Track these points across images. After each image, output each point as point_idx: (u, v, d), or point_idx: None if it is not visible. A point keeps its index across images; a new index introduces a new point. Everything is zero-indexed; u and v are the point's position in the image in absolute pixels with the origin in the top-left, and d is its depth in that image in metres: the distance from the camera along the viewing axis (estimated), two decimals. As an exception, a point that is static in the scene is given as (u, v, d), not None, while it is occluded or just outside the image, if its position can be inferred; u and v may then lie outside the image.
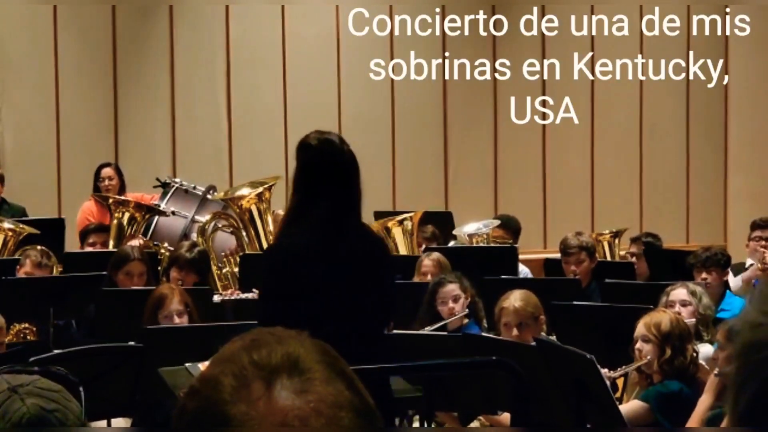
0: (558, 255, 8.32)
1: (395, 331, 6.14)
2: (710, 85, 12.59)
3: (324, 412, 1.22)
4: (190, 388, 1.27)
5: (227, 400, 1.22)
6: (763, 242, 8.76)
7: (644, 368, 5.41)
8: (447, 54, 12.03)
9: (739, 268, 8.62)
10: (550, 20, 12.23)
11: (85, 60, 11.33)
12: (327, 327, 4.51)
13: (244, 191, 8.68)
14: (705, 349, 5.75)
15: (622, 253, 9.71)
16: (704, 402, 5.04)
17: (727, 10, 12.48)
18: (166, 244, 8.74)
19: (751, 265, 8.77)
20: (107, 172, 9.94)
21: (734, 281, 8.27)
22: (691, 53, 12.59)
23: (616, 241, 9.81)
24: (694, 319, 6.06)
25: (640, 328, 5.41)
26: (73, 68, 11.27)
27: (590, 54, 12.34)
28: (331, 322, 4.44)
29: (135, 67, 11.42)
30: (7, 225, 8.52)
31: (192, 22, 11.56)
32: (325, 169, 4.64)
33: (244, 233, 8.52)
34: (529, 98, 12.26)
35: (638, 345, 5.38)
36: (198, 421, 1.24)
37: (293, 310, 4.46)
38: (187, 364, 4.99)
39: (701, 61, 12.60)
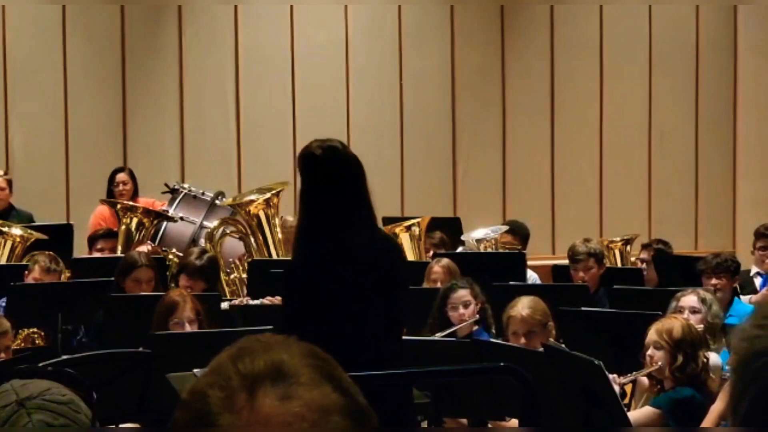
0: (566, 261, 8.32)
1: (405, 338, 6.14)
2: (719, 91, 12.60)
3: (308, 417, 1.22)
4: (181, 402, 1.29)
5: (214, 412, 1.24)
6: None
7: (655, 374, 5.39)
8: (456, 59, 12.04)
9: (745, 276, 8.60)
10: (559, 26, 12.24)
11: (93, 65, 11.34)
12: (347, 337, 4.60)
13: (253, 197, 8.69)
14: (712, 358, 5.73)
15: (632, 259, 9.70)
16: (717, 409, 5.02)
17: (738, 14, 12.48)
18: (174, 250, 8.75)
19: (757, 273, 8.76)
20: (121, 177, 9.98)
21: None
22: (699, 58, 12.59)
23: (628, 248, 9.80)
24: (702, 326, 6.04)
25: (652, 335, 5.38)
26: (81, 73, 11.29)
27: (599, 58, 12.34)
28: (350, 331, 4.52)
29: (144, 72, 11.43)
30: (15, 231, 8.53)
31: (201, 24, 11.56)
32: (333, 177, 4.65)
33: (252, 239, 8.52)
34: (537, 103, 12.26)
35: (650, 351, 5.36)
36: None
37: (315, 323, 4.51)
38: (195, 370, 4.98)
39: (710, 66, 12.60)
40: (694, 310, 6.17)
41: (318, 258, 4.63)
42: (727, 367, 5.55)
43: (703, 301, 6.22)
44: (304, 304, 4.60)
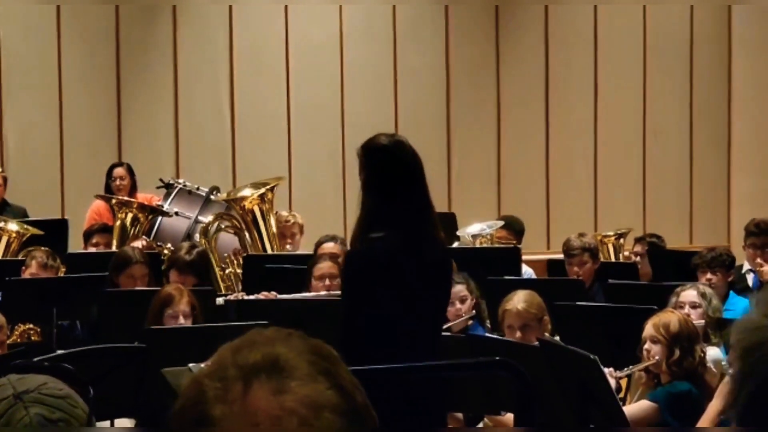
0: (561, 256, 8.32)
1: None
2: (713, 88, 12.60)
3: (299, 413, 1.22)
4: (182, 391, 1.30)
5: (208, 402, 1.25)
6: (759, 251, 8.73)
7: (652, 368, 5.39)
8: (450, 57, 12.03)
9: (738, 272, 8.59)
10: (554, 22, 12.24)
11: (88, 64, 11.33)
12: (408, 329, 4.64)
13: (247, 192, 8.68)
14: (713, 352, 5.72)
15: (626, 253, 9.71)
16: (715, 406, 5.02)
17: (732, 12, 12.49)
18: (169, 245, 8.74)
19: (749, 269, 8.76)
20: (119, 171, 9.98)
21: None
22: (694, 56, 12.59)
23: (621, 242, 9.80)
24: (703, 321, 6.04)
25: (649, 329, 5.38)
26: (76, 72, 11.27)
27: (593, 54, 12.35)
28: (413, 324, 4.64)
29: (138, 67, 11.42)
30: (11, 226, 8.52)
31: (195, 21, 11.55)
32: (400, 170, 4.71)
33: (246, 234, 8.52)
34: (532, 99, 12.26)
35: (647, 346, 5.36)
36: (182, 421, 1.26)
37: (380, 313, 4.56)
38: (190, 365, 4.98)
39: (705, 63, 12.61)
40: (694, 305, 6.16)
41: (386, 252, 4.67)
42: (725, 362, 5.55)
43: (703, 295, 6.22)
44: (368, 295, 4.64)
